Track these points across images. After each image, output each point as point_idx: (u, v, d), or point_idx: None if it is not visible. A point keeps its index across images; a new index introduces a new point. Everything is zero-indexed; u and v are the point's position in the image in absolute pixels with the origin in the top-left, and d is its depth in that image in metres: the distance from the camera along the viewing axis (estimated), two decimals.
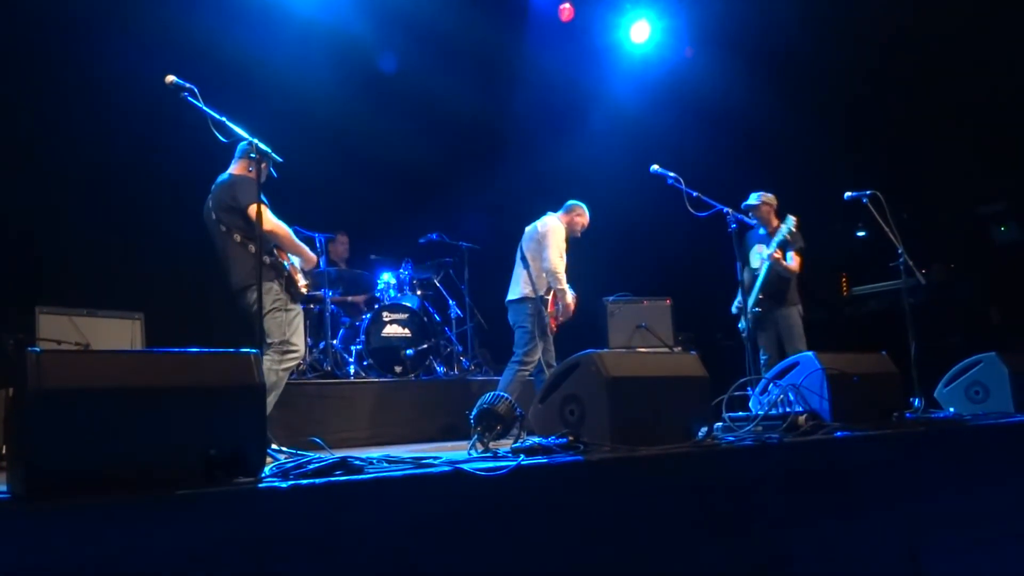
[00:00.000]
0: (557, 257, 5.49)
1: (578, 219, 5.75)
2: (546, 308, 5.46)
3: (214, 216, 4.30)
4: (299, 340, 4.30)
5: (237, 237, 4.23)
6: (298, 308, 4.39)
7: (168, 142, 6.07)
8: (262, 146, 3.80)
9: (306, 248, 4.50)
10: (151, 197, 6.46)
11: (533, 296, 5.44)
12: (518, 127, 8.36)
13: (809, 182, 8.22)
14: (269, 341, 4.16)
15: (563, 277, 5.49)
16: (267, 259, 4.21)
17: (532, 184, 8.18)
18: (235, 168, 4.40)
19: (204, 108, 3.85)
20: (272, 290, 4.20)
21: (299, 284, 4.38)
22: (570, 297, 5.54)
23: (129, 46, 6.14)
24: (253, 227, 3.97)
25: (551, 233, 5.55)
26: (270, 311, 4.16)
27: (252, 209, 4.05)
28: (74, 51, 6.12)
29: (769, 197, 6.14)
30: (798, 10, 7.71)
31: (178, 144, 5.58)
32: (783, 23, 7.98)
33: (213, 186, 4.38)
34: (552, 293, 5.50)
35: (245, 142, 4.03)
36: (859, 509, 3.28)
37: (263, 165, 3.98)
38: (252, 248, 4.09)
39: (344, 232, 7.56)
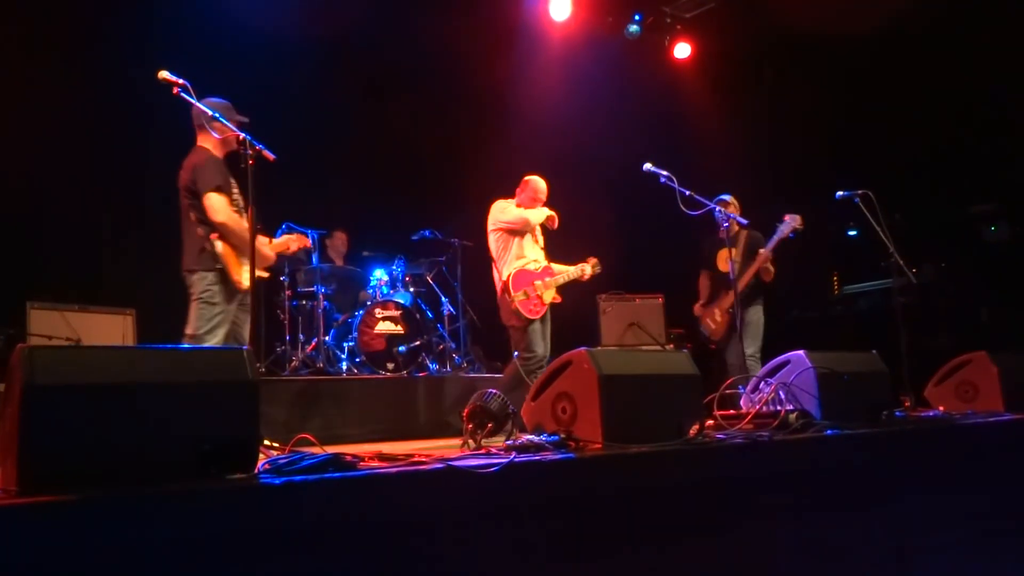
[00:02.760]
0: (507, 218, 5.53)
1: (520, 195, 5.70)
2: (508, 294, 5.37)
3: (180, 187, 4.29)
4: (214, 342, 4.04)
5: (192, 216, 4.20)
6: (230, 308, 4.19)
7: (160, 136, 6.04)
8: (256, 144, 3.79)
9: (263, 248, 4.33)
10: (143, 192, 6.45)
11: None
12: (513, 123, 8.36)
13: (800, 180, 8.26)
14: (187, 331, 4.06)
15: (517, 214, 5.51)
16: (207, 246, 4.12)
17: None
18: (202, 141, 4.34)
19: (198, 103, 3.84)
20: (205, 279, 4.11)
21: (235, 279, 4.16)
22: (539, 216, 5.52)
23: (121, 40, 6.13)
24: (206, 212, 4.05)
25: (495, 211, 5.60)
26: (198, 299, 4.10)
27: (208, 198, 4.07)
28: (66, 44, 6.09)
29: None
30: (788, 6, 7.73)
31: (171, 139, 5.56)
32: (773, 20, 8.01)
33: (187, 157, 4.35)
34: (507, 282, 5.40)
35: (208, 115, 4.02)
36: (848, 507, 3.30)
37: (217, 124, 4.01)
38: (200, 232, 4.10)
39: (343, 229, 7.54)
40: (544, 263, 5.64)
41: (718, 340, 6.21)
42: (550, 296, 5.51)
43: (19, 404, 1.92)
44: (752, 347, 5.92)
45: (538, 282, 5.47)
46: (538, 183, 5.71)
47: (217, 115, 3.83)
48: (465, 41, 7.81)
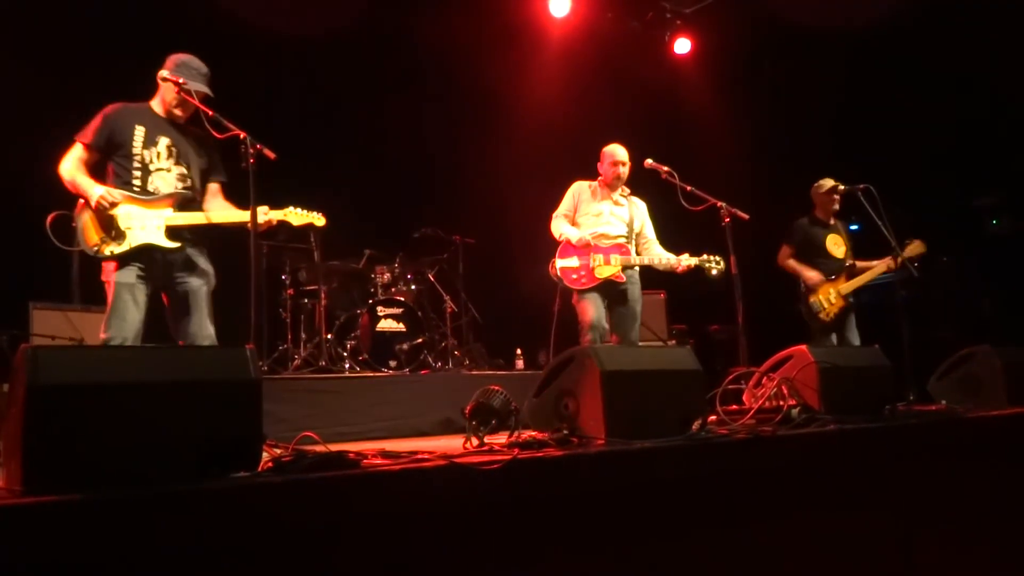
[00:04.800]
0: (553, 219, 5.44)
1: (600, 167, 5.54)
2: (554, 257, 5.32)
3: None
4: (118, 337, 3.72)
5: None
6: (133, 293, 3.80)
7: None
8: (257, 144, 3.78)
9: (88, 186, 3.82)
10: None
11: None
12: (514, 119, 8.36)
13: (802, 174, 8.24)
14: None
15: (558, 229, 5.38)
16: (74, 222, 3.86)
17: (526, 178, 8.18)
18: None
19: (197, 103, 3.85)
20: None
21: (88, 243, 3.80)
22: (566, 231, 5.33)
23: (122, 37, 6.13)
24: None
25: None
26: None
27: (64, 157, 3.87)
28: (65, 42, 6.10)
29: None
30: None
31: None
32: (772, 13, 8.00)
33: None
34: (560, 250, 5.35)
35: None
36: (852, 503, 3.30)
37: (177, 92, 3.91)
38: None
39: (385, 265, 7.31)
40: (615, 238, 5.38)
41: (827, 321, 6.18)
42: (607, 272, 5.24)
43: (23, 404, 1.93)
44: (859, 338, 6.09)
45: (599, 255, 5.26)
46: (612, 153, 5.48)
47: (218, 115, 3.82)
48: (465, 38, 7.81)
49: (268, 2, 6.74)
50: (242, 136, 3.66)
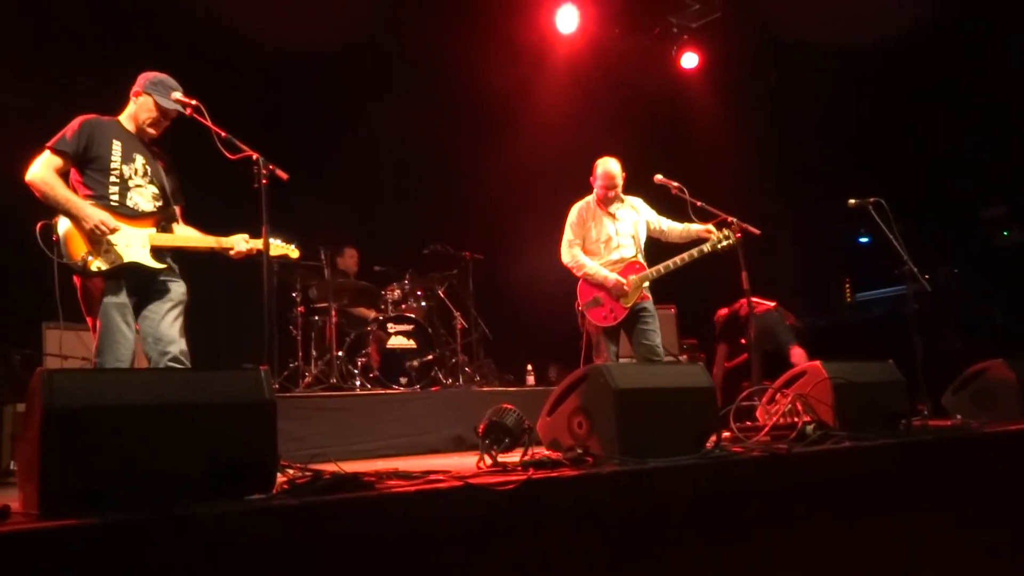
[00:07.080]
0: (565, 248, 5.25)
1: (597, 186, 5.28)
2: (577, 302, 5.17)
3: None
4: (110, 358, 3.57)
5: None
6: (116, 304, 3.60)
7: (175, 156, 6.09)
8: (269, 164, 3.79)
9: (83, 206, 3.60)
10: None
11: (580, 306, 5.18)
12: (523, 135, 8.38)
13: (810, 188, 8.24)
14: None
15: (575, 260, 5.16)
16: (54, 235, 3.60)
17: (536, 194, 8.19)
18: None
19: (210, 125, 3.86)
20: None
21: (73, 258, 3.57)
22: (594, 274, 5.07)
23: (131, 58, 6.17)
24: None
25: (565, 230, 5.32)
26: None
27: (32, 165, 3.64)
28: (74, 63, 6.14)
29: None
30: (793, 15, 7.73)
31: (183, 158, 5.60)
32: (779, 28, 8.02)
33: None
34: (579, 291, 5.20)
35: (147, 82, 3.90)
36: (867, 518, 3.27)
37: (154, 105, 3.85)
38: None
39: (352, 245, 7.55)
40: (630, 259, 5.18)
41: None
42: (633, 297, 5.04)
43: (39, 428, 1.94)
44: None
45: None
46: (603, 167, 5.25)
47: (230, 136, 3.82)
48: (473, 54, 7.85)
49: (276, 17, 6.78)
50: (255, 157, 3.66)
